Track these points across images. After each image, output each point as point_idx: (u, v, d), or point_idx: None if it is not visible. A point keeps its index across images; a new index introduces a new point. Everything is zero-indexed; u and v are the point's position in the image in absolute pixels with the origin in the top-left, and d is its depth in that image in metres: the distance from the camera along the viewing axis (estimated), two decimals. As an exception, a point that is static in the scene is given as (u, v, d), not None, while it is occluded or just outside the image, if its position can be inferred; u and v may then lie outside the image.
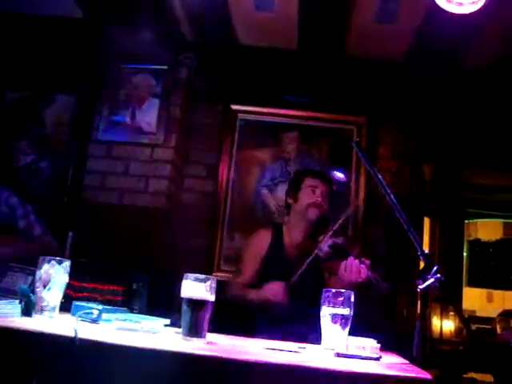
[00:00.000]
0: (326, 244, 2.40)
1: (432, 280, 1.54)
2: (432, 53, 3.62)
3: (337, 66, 3.89)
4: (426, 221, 5.64)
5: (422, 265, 1.62)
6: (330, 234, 2.40)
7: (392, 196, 1.64)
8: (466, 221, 6.54)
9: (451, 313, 5.16)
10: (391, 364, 1.54)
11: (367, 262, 2.24)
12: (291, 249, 2.66)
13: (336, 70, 3.89)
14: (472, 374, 4.16)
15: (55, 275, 1.67)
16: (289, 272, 2.45)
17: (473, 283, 6.85)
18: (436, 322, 5.40)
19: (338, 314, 1.62)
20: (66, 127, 3.83)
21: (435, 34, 3.36)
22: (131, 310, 2.14)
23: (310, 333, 1.97)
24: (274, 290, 2.43)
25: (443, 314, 5.39)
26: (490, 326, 5.51)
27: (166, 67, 3.74)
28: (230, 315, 2.34)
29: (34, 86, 3.90)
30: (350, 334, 1.64)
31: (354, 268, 2.22)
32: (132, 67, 3.77)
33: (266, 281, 2.51)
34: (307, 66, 3.90)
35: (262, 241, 2.73)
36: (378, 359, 1.55)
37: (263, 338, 1.98)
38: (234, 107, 3.91)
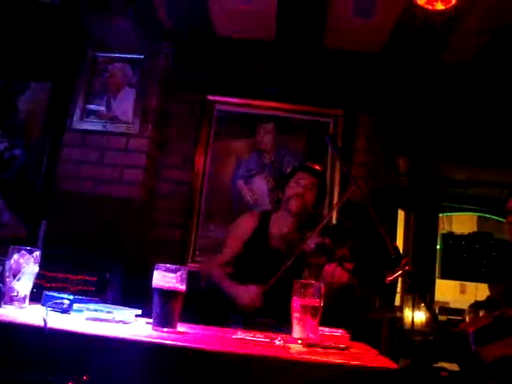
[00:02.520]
0: (312, 241, 2.37)
1: (400, 272, 1.57)
2: (409, 46, 3.65)
3: (314, 58, 3.89)
4: (401, 213, 5.70)
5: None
6: (318, 231, 2.36)
7: (363, 190, 1.66)
8: (441, 214, 6.63)
9: (423, 304, 5.25)
10: (358, 353, 1.56)
11: (349, 266, 2.25)
12: (275, 239, 2.61)
13: (313, 61, 3.90)
14: (442, 364, 4.24)
15: (25, 265, 1.65)
16: (268, 262, 2.41)
17: (446, 275, 6.94)
18: (408, 313, 5.49)
19: (308, 305, 1.64)
20: (40, 115, 3.77)
21: (413, 28, 3.39)
22: (104, 301, 2.13)
23: (281, 324, 1.99)
24: (250, 294, 2.33)
25: (415, 306, 5.48)
26: (461, 317, 5.62)
27: (143, 56, 3.71)
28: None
29: (7, 73, 3.82)
30: (322, 324, 1.67)
31: (337, 272, 2.22)
32: (108, 55, 3.73)
33: (244, 268, 2.48)
34: (285, 58, 3.90)
35: (246, 225, 2.67)
36: (346, 349, 1.58)
37: (233, 326, 1.98)
38: (211, 98, 3.90)
